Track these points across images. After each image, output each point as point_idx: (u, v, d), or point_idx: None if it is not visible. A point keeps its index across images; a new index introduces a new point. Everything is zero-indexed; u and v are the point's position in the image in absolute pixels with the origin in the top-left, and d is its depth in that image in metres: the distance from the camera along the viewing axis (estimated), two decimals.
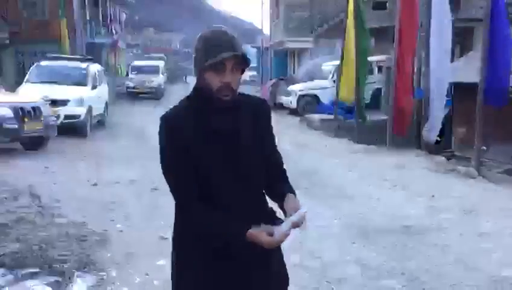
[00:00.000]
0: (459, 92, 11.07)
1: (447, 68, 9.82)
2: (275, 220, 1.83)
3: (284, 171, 2.00)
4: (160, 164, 1.84)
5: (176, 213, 1.89)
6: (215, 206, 1.79)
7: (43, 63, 13.82)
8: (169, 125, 1.79)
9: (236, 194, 1.81)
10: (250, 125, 1.84)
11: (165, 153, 1.81)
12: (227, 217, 1.77)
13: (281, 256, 1.98)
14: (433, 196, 6.43)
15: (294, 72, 28.03)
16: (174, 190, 1.82)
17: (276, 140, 1.99)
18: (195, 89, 1.84)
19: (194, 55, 1.81)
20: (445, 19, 9.64)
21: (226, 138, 1.79)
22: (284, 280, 1.98)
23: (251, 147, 1.83)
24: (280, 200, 1.88)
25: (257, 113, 1.89)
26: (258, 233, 1.72)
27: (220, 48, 1.73)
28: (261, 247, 1.73)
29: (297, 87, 18.45)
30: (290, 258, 4.58)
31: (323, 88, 17.64)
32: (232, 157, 1.80)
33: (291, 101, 18.09)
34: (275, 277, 1.92)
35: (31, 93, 10.90)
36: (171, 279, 1.94)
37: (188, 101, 1.86)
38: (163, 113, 1.84)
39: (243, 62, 1.79)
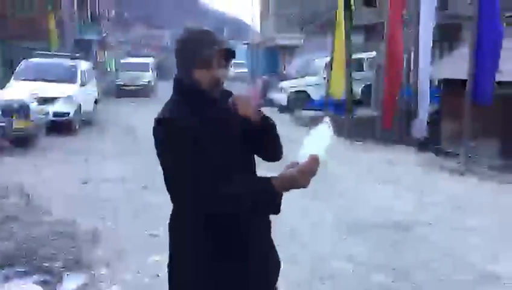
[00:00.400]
0: (448, 88, 11.17)
1: (430, 63, 9.95)
2: None
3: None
4: (167, 166, 1.74)
5: (174, 214, 1.86)
6: None
7: (31, 60, 13.68)
8: (169, 123, 1.72)
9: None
10: (233, 113, 1.84)
11: (177, 154, 1.72)
12: (250, 178, 1.80)
13: (271, 241, 1.98)
14: (422, 191, 6.49)
15: (285, 69, 28.06)
16: (195, 188, 1.69)
17: None
18: (182, 89, 1.84)
19: (178, 58, 1.83)
20: (430, 17, 9.74)
21: (226, 126, 1.82)
22: (278, 267, 2.00)
23: (237, 137, 1.86)
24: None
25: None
26: (285, 174, 1.63)
27: (205, 45, 1.77)
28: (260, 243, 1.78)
29: (288, 84, 18.48)
30: (281, 253, 4.61)
31: (314, 84, 17.68)
32: (236, 144, 1.84)
33: (282, 97, 18.11)
34: (272, 272, 1.94)
35: (19, 90, 10.81)
36: (168, 279, 1.92)
37: (177, 101, 1.84)
38: (157, 117, 1.78)
39: (228, 56, 1.83)
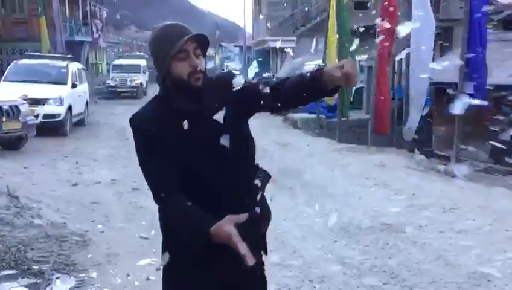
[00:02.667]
0: (439, 91, 11.22)
1: (427, 68, 9.95)
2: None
3: (282, 80, 1.85)
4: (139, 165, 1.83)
5: (159, 217, 1.87)
6: (206, 193, 1.77)
7: (22, 61, 13.60)
8: (137, 123, 1.81)
9: (223, 179, 1.78)
10: (221, 104, 1.81)
11: (140, 151, 1.81)
12: (198, 211, 1.69)
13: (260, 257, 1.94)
14: (413, 194, 6.51)
15: (277, 71, 28.08)
16: (153, 187, 1.78)
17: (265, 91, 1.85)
18: (166, 86, 1.82)
19: (153, 57, 1.81)
20: (426, 19, 9.77)
21: (199, 122, 1.77)
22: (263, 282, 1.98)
23: (228, 128, 1.81)
24: (309, 83, 1.73)
25: (227, 89, 1.84)
26: (223, 224, 1.60)
27: (177, 36, 1.75)
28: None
29: None
30: (272, 257, 4.60)
31: None
32: (209, 140, 1.78)
33: None
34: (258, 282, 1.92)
35: (9, 92, 10.70)
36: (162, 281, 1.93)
37: (157, 99, 1.86)
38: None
39: (202, 44, 1.81)
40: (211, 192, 1.78)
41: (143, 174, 1.81)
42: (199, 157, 1.77)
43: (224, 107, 1.81)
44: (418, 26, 9.77)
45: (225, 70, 2.14)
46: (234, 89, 1.83)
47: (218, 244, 1.63)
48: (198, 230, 1.64)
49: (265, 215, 1.95)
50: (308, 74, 1.74)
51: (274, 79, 2.01)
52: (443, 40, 15.10)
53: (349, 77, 1.63)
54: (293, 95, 1.80)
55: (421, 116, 10.30)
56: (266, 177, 1.97)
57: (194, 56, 1.76)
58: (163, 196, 1.75)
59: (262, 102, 1.83)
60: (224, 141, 1.79)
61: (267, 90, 1.82)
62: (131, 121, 1.82)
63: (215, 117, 1.80)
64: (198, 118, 1.78)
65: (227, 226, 1.60)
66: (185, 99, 1.78)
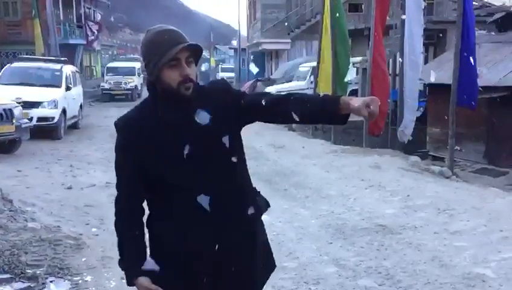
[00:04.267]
0: (433, 92, 11.27)
1: (418, 69, 10.03)
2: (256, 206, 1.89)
3: (289, 96, 1.80)
4: None
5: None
6: (186, 205, 1.78)
7: (16, 64, 13.53)
8: (120, 127, 1.83)
9: (203, 188, 1.77)
10: (210, 112, 1.79)
11: (116, 153, 1.86)
12: (131, 243, 1.86)
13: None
14: (408, 195, 6.52)
15: (271, 74, 28.12)
16: (117, 190, 1.88)
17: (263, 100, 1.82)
18: (155, 92, 1.80)
19: (145, 61, 1.78)
20: (417, 22, 9.83)
21: (181, 131, 1.76)
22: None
23: (212, 136, 1.78)
24: (312, 111, 1.71)
25: (218, 97, 1.83)
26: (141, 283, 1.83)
27: (170, 44, 1.72)
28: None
29: (274, 89, 18.52)
30: None
31: (301, 89, 17.74)
32: (192, 150, 1.77)
33: None
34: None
35: (2, 95, 10.64)
36: None
37: (144, 104, 1.86)
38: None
39: (195, 52, 1.79)
40: (192, 204, 1.78)
41: (116, 174, 1.90)
42: (178, 168, 1.76)
43: (214, 117, 1.78)
44: (410, 28, 9.84)
45: (219, 78, 2.14)
46: (227, 98, 1.82)
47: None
48: (123, 268, 1.91)
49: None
50: (328, 101, 1.70)
51: (274, 92, 2.02)
52: (436, 42, 15.17)
53: (372, 116, 1.63)
54: (303, 115, 1.74)
55: (416, 118, 10.36)
56: (265, 205, 1.98)
57: (185, 65, 1.74)
58: (117, 202, 1.87)
59: (260, 113, 1.82)
60: (210, 152, 1.77)
61: (263, 102, 1.79)
62: (116, 124, 1.85)
63: (203, 127, 1.77)
64: (184, 127, 1.76)
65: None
66: (173, 107, 1.77)
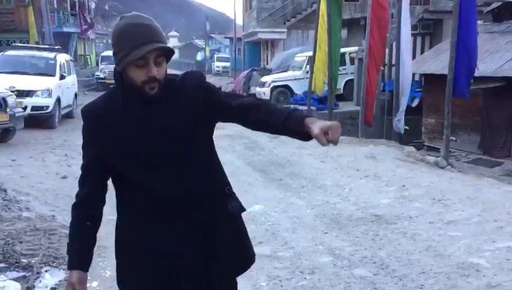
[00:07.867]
0: (428, 83, 11.27)
1: (409, 61, 10.08)
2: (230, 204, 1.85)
3: (259, 103, 1.77)
4: None
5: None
6: (147, 198, 1.77)
7: (9, 52, 13.41)
8: (85, 114, 1.79)
9: (168, 188, 1.73)
10: (174, 111, 1.73)
11: (83, 139, 1.84)
12: (78, 235, 1.89)
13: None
14: (403, 185, 6.54)
15: (267, 63, 28.02)
16: (81, 171, 1.88)
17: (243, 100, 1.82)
18: (118, 85, 1.75)
19: (113, 49, 1.71)
20: (406, 12, 9.88)
21: (141, 127, 1.71)
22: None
23: (179, 135, 1.73)
24: (281, 124, 1.69)
25: (188, 93, 1.77)
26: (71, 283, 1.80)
27: (139, 42, 1.62)
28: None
29: (270, 78, 18.46)
30: (263, 249, 4.60)
31: (297, 79, 17.70)
32: (153, 146, 1.72)
33: (264, 92, 18.09)
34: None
35: None
36: None
37: (111, 93, 1.81)
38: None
39: (166, 52, 1.70)
40: (156, 199, 1.76)
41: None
42: (137, 163, 1.73)
43: (177, 116, 1.73)
44: (405, 17, 9.85)
45: (194, 70, 2.07)
46: (198, 94, 1.76)
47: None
48: (67, 252, 1.90)
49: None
50: (292, 118, 1.67)
51: (250, 97, 1.94)
52: (432, 32, 15.13)
53: (332, 142, 1.62)
54: (265, 126, 1.76)
55: (411, 107, 10.39)
56: (239, 208, 1.91)
57: (152, 64, 1.66)
58: (79, 184, 1.88)
59: (228, 115, 1.79)
60: (172, 148, 1.72)
61: (238, 104, 1.76)
62: (81, 110, 1.81)
63: (164, 126, 1.71)
64: (145, 126, 1.71)
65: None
66: (135, 102, 1.71)
